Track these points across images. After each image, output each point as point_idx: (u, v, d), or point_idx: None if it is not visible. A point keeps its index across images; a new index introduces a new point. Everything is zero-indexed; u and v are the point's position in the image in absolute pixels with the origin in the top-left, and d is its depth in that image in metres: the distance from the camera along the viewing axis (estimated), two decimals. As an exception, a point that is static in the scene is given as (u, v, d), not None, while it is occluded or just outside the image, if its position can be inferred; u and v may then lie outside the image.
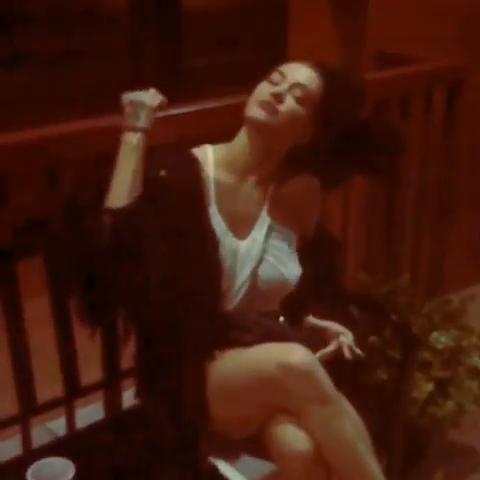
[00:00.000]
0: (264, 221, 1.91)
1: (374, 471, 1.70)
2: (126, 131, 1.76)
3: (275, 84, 1.81)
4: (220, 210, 1.85)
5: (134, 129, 1.76)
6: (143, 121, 1.76)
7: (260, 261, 1.88)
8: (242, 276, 1.86)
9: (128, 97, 1.79)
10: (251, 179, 1.90)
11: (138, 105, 1.77)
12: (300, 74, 1.82)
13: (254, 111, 1.80)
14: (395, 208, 2.91)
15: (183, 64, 4.55)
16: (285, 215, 1.94)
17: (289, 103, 1.79)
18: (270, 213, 1.92)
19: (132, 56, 4.60)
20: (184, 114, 2.14)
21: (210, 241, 1.80)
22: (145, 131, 1.76)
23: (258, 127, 1.80)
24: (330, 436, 1.67)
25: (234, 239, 1.86)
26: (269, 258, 1.89)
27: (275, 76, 1.82)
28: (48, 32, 4.44)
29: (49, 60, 4.38)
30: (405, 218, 2.96)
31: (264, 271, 1.88)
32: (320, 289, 2.01)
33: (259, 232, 1.89)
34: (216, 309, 1.82)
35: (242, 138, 1.86)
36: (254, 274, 1.87)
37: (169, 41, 4.45)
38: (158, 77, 4.48)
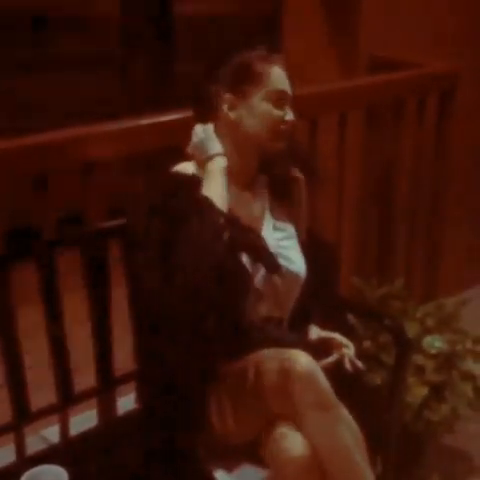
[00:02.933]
0: (269, 223, 1.93)
1: (369, 477, 1.70)
2: (205, 163, 1.82)
3: (281, 106, 1.84)
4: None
5: (210, 157, 1.82)
6: (214, 148, 1.83)
7: None
8: (258, 281, 1.86)
9: (192, 143, 1.86)
10: (249, 185, 1.92)
11: (203, 140, 1.84)
12: (290, 89, 1.87)
13: (276, 143, 1.85)
14: (388, 213, 2.92)
15: (175, 71, 4.56)
16: (282, 212, 1.96)
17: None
18: (271, 213, 1.94)
19: (124, 63, 4.61)
20: (175, 120, 2.15)
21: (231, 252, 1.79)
22: (221, 155, 1.83)
23: (275, 151, 1.87)
24: (328, 443, 1.67)
25: None
26: (280, 260, 1.89)
27: (277, 95, 1.83)
28: (38, 40, 4.44)
29: (39, 68, 4.38)
30: (398, 223, 2.97)
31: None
32: (318, 296, 2.02)
33: (267, 234, 1.91)
34: (239, 316, 1.82)
35: (237, 151, 1.87)
36: (268, 277, 1.88)
37: (161, 48, 4.47)
38: (150, 83, 4.49)
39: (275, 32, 3.29)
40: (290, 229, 1.97)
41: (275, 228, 1.93)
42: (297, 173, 1.99)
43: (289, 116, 1.85)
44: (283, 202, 1.97)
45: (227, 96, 1.82)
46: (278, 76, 1.84)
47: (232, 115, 1.83)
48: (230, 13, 4.75)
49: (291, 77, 1.87)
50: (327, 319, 1.99)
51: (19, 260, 1.89)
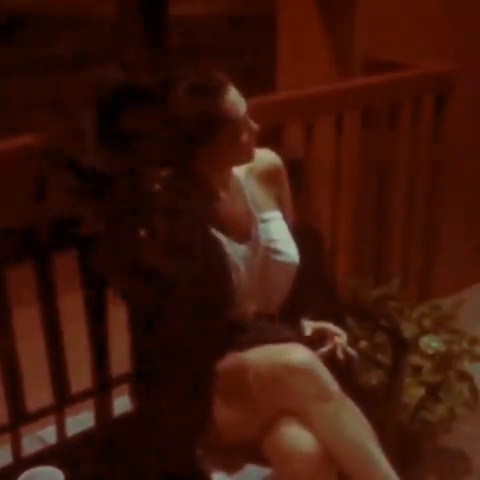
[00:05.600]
0: (255, 218, 1.93)
1: (385, 467, 1.67)
2: None
3: (247, 127, 1.81)
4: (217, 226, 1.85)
5: None
6: None
7: (265, 258, 1.90)
8: (252, 278, 1.87)
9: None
10: (226, 186, 1.91)
11: None
12: (243, 102, 1.82)
13: (253, 155, 1.86)
14: (385, 213, 2.92)
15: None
16: (265, 200, 1.97)
17: None
18: (255, 207, 1.94)
19: (118, 63, 4.61)
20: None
21: (219, 255, 1.80)
22: None
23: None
24: (336, 433, 1.66)
25: (237, 245, 1.86)
26: (271, 255, 1.91)
27: (242, 123, 1.79)
28: (33, 40, 4.44)
29: (34, 67, 4.38)
30: (395, 223, 2.97)
31: (271, 266, 1.90)
32: (310, 287, 2.03)
33: (256, 230, 1.91)
34: (229, 315, 1.83)
35: (216, 175, 1.87)
36: (263, 272, 1.89)
37: (155, 49, 4.47)
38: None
39: (271, 35, 3.30)
40: (278, 217, 1.97)
41: (263, 221, 1.93)
42: (278, 160, 2.00)
43: (254, 128, 1.82)
44: (270, 189, 1.98)
45: (201, 152, 1.77)
46: (236, 103, 1.77)
47: (210, 164, 1.81)
48: (226, 14, 4.77)
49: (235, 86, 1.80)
50: (319, 312, 2.00)
51: (16, 260, 1.89)
